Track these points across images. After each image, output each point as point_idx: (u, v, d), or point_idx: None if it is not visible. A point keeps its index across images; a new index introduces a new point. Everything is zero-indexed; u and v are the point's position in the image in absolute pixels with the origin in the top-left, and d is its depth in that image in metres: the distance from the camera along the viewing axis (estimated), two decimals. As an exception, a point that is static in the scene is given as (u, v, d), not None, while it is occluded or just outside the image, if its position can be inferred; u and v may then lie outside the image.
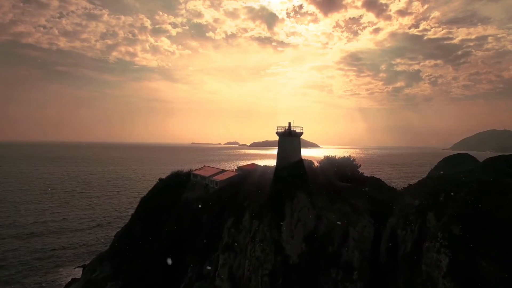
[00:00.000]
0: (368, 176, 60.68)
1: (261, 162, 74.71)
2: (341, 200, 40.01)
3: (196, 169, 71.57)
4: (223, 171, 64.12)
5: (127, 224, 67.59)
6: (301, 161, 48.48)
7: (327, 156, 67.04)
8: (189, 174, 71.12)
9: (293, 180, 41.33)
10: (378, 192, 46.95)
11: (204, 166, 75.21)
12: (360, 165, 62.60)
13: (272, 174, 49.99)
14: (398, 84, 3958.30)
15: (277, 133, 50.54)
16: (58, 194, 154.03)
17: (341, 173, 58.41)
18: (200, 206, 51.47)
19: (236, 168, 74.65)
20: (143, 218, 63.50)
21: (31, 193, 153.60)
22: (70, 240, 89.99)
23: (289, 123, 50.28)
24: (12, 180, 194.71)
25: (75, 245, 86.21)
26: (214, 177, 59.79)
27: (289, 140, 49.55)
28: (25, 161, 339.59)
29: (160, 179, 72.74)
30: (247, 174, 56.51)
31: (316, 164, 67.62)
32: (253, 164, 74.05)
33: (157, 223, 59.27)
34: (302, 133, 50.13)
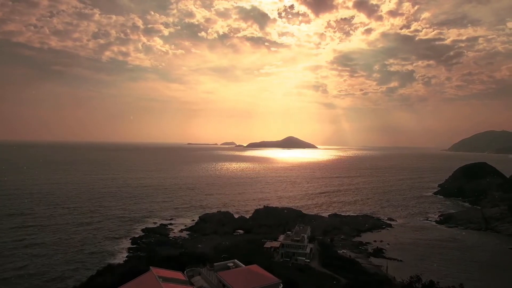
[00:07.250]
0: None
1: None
2: None
3: (137, 278, 49.85)
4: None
5: None
6: None
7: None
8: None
9: None
10: None
11: (151, 269, 50.80)
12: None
13: None
14: (392, 85, 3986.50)
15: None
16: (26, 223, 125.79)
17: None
18: None
19: (215, 272, 49.09)
20: None
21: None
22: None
23: None
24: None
25: None
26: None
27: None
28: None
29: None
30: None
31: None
32: (252, 269, 45.90)
33: None
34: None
